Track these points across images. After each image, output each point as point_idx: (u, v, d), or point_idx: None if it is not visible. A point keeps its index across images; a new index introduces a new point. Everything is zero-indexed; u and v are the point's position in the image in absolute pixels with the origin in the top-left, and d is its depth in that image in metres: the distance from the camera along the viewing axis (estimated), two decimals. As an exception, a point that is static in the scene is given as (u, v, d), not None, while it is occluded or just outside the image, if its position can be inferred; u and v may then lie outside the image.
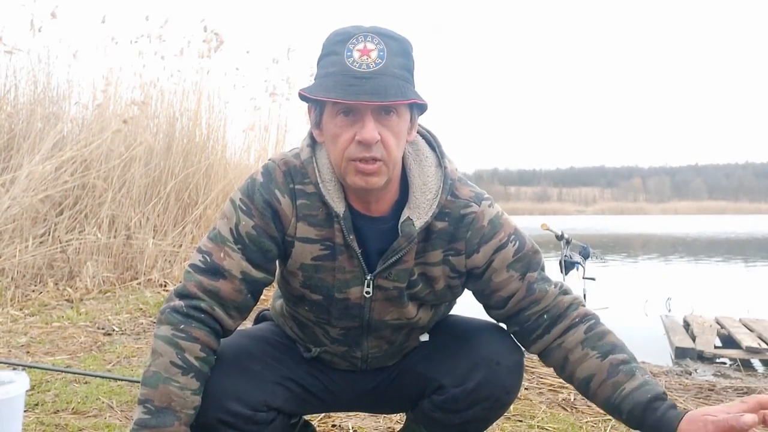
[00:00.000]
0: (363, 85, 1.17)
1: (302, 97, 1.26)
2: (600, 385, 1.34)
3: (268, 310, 1.67)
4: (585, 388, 1.37)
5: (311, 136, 1.36)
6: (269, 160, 1.40)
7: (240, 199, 1.35)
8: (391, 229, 1.34)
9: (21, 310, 4.26)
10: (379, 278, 1.37)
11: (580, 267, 4.49)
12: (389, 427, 2.21)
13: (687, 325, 5.41)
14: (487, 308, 1.46)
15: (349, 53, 1.20)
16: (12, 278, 4.69)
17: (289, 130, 7.94)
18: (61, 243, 5.12)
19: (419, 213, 1.33)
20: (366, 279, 1.36)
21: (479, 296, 1.45)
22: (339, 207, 1.31)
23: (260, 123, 7.57)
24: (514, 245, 1.38)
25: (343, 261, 1.35)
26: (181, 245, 5.98)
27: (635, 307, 6.41)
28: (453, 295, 1.47)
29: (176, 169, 6.24)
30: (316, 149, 1.35)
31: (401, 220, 1.33)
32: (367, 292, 1.37)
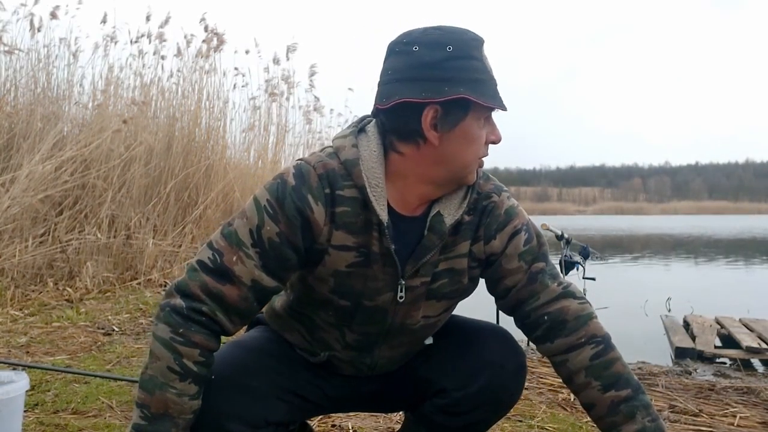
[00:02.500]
0: (499, 92, 1.27)
1: (469, 103, 1.23)
2: (598, 419, 1.36)
3: (262, 313, 1.61)
4: (587, 410, 1.40)
5: (355, 136, 1.31)
6: (300, 160, 1.32)
7: (267, 200, 1.27)
8: (422, 226, 1.33)
9: (21, 310, 4.26)
10: (408, 279, 1.34)
11: (580, 267, 4.48)
12: (389, 427, 2.21)
13: (687, 325, 5.41)
14: (495, 298, 1.45)
15: (486, 60, 1.26)
16: (12, 278, 4.69)
17: (289, 130, 7.96)
18: (61, 243, 5.12)
19: (450, 209, 1.32)
20: (400, 284, 1.33)
21: (488, 284, 1.44)
22: (383, 214, 1.27)
23: (260, 123, 7.58)
24: (525, 234, 1.39)
25: (377, 269, 1.31)
26: (181, 245, 5.98)
27: (635, 307, 6.40)
28: (474, 286, 1.46)
29: (176, 169, 6.24)
30: (361, 150, 1.29)
31: (431, 214, 1.32)
32: (401, 297, 1.34)
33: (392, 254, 1.29)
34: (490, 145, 1.35)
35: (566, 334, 1.36)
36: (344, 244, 1.29)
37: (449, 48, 1.22)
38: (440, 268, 1.36)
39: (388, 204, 1.30)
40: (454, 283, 1.39)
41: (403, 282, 1.33)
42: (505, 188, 1.44)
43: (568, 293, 1.39)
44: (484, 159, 1.35)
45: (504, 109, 1.27)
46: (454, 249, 1.36)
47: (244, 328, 1.66)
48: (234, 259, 1.25)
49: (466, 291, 1.44)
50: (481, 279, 1.46)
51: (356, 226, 1.29)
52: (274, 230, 1.25)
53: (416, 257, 1.32)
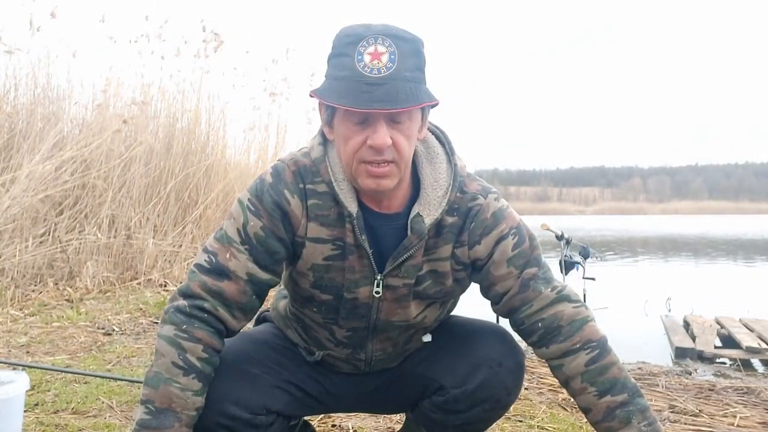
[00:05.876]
0: (374, 92, 1.17)
1: (314, 97, 1.26)
2: (595, 423, 1.37)
3: (269, 311, 1.67)
4: (584, 414, 1.40)
5: (322, 135, 1.35)
6: (278, 160, 1.38)
7: (248, 199, 1.34)
8: (402, 226, 1.34)
9: (21, 310, 4.26)
10: (388, 277, 1.36)
11: (580, 267, 4.48)
12: (389, 427, 2.21)
13: (687, 325, 5.40)
14: (490, 303, 1.46)
15: (359, 57, 1.18)
16: (12, 278, 4.69)
17: (289, 130, 7.97)
18: (61, 243, 5.12)
19: (429, 209, 1.33)
20: (376, 279, 1.36)
21: (480, 289, 1.45)
22: (352, 206, 1.31)
23: (260, 123, 7.58)
24: (513, 238, 1.37)
25: (353, 261, 1.34)
26: (181, 245, 5.98)
27: (635, 307, 6.40)
28: (461, 289, 1.46)
29: (176, 169, 6.24)
30: (327, 148, 1.34)
31: (411, 215, 1.33)
32: (377, 292, 1.37)
33: (364, 245, 1.32)
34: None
35: (561, 339, 1.36)
36: (319, 236, 1.33)
37: (332, 45, 1.24)
38: (424, 270, 1.37)
39: (363, 203, 1.33)
40: (437, 285, 1.40)
41: (379, 277, 1.35)
42: (493, 189, 1.42)
43: (562, 297, 1.38)
44: (389, 166, 1.24)
45: (358, 108, 1.17)
46: (436, 251, 1.37)
47: (252, 323, 1.70)
48: (227, 256, 1.31)
49: (452, 293, 1.45)
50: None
51: (330, 219, 1.33)
52: (258, 225, 1.31)
53: (396, 255, 1.33)
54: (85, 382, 2.68)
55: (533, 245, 1.40)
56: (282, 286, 1.54)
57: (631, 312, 6.22)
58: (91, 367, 2.99)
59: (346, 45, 1.20)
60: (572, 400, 2.57)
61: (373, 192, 1.29)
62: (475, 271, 1.41)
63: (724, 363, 4.34)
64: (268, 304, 1.65)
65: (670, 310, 6.26)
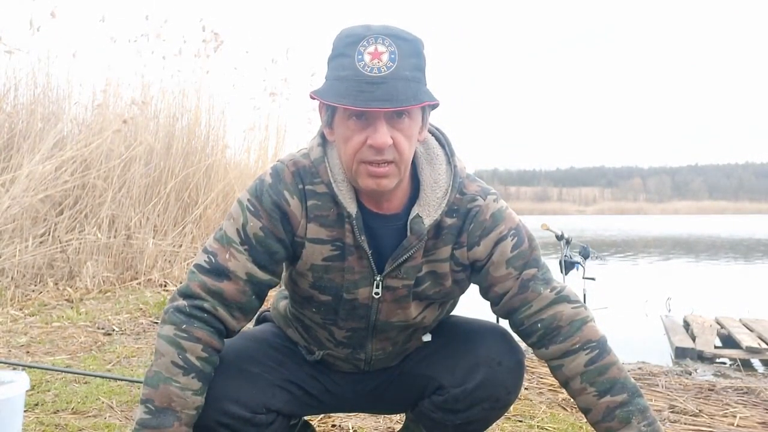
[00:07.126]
0: (374, 91, 1.17)
1: (314, 98, 1.26)
2: (594, 424, 1.37)
3: (269, 311, 1.67)
4: (584, 414, 1.40)
5: (322, 136, 1.35)
6: (277, 161, 1.39)
7: (248, 200, 1.34)
8: (402, 227, 1.34)
9: (21, 310, 4.26)
10: (388, 278, 1.36)
11: (580, 267, 4.48)
12: (389, 427, 2.21)
13: (687, 325, 5.40)
14: (490, 304, 1.46)
15: (360, 56, 1.18)
16: (12, 278, 4.69)
17: (288, 130, 7.97)
18: (61, 243, 5.12)
19: (429, 210, 1.33)
20: (375, 280, 1.36)
21: (480, 290, 1.45)
22: (351, 207, 1.31)
23: (260, 123, 7.58)
24: (513, 240, 1.37)
25: (352, 261, 1.35)
26: (181, 245, 5.98)
27: (635, 307, 6.40)
28: (461, 290, 1.47)
29: (176, 169, 6.24)
30: (327, 149, 1.34)
31: (411, 216, 1.33)
32: (376, 293, 1.37)
33: (363, 246, 1.32)
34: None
35: (561, 340, 1.37)
36: (318, 237, 1.34)
37: (332, 47, 1.25)
38: (423, 271, 1.38)
39: (363, 203, 1.33)
40: (436, 286, 1.40)
41: (378, 278, 1.35)
42: (493, 190, 1.42)
43: (561, 298, 1.38)
44: (389, 166, 1.23)
45: (358, 107, 1.17)
46: (436, 252, 1.37)
47: (252, 323, 1.71)
48: (227, 256, 1.31)
49: (451, 294, 1.45)
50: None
51: (329, 220, 1.33)
52: (257, 225, 1.32)
53: (395, 256, 1.34)
54: (85, 382, 2.68)
55: (532, 246, 1.40)
56: (282, 287, 1.54)
57: (631, 312, 6.22)
58: (91, 367, 2.99)
59: (347, 45, 1.20)
60: (572, 400, 2.57)
61: (372, 192, 1.29)
62: (475, 272, 1.41)
63: (724, 363, 4.34)
64: (268, 304, 1.65)
65: (670, 310, 6.26)
